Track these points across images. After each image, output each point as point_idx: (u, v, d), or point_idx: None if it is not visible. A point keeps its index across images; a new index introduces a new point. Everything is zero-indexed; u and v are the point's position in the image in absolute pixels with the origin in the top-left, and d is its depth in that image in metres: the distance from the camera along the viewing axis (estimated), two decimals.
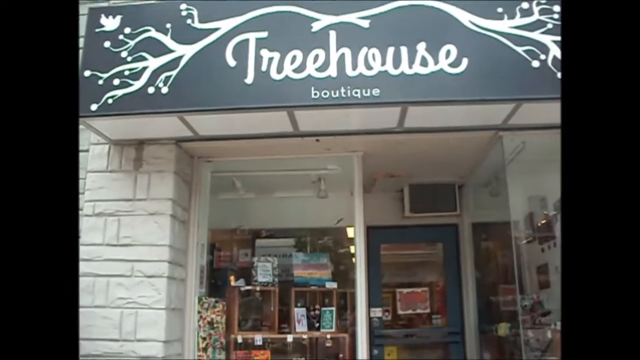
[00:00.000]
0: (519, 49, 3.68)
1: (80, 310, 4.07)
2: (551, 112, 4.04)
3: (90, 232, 4.31)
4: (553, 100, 3.79)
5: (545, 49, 3.64)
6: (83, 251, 4.25)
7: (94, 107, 3.82)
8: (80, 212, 4.40)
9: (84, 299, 4.16)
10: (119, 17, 4.00)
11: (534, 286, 5.15)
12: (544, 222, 5.04)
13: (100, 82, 3.87)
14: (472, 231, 6.19)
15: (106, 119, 3.99)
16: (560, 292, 2.25)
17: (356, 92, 3.67)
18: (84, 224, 4.32)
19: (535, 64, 3.64)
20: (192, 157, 4.81)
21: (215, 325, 4.74)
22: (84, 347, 4.09)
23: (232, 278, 5.09)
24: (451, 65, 3.69)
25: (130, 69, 3.88)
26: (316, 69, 3.74)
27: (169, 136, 4.40)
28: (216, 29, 3.90)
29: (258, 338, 4.76)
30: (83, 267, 4.23)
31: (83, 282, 4.20)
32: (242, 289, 4.94)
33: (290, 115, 3.95)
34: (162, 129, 4.27)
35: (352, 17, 3.83)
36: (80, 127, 4.08)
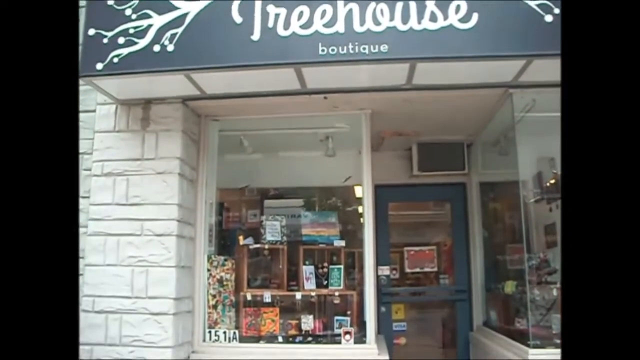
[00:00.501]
0: (531, 3, 3.59)
1: (92, 268, 4.19)
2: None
3: (100, 191, 4.34)
4: None
5: (558, 3, 3.52)
6: (93, 211, 4.29)
7: (99, 66, 3.79)
8: (89, 173, 4.44)
9: (95, 258, 4.24)
10: None
11: (541, 245, 5.15)
12: (552, 181, 5.01)
13: (105, 40, 3.83)
14: (480, 190, 6.17)
15: (112, 78, 3.97)
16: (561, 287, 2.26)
17: (364, 48, 3.62)
18: (93, 183, 4.35)
19: (548, 18, 3.56)
20: (200, 116, 4.79)
21: (224, 283, 4.80)
22: (98, 304, 4.19)
23: (240, 238, 5.12)
24: (461, 20, 3.62)
25: (135, 27, 3.83)
26: (323, 25, 3.68)
27: (175, 95, 4.38)
28: None
29: (267, 295, 4.80)
30: (93, 226, 4.29)
31: (94, 241, 4.27)
32: (250, 247, 4.96)
33: (298, 72, 3.91)
34: (168, 88, 4.25)
35: None
36: (87, 87, 4.08)
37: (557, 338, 4.23)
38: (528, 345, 4.11)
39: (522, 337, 4.34)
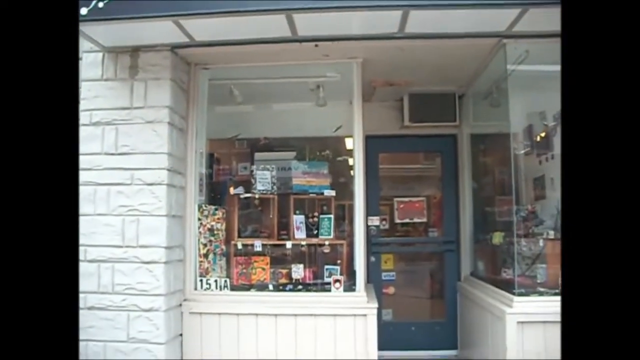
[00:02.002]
0: None
1: (83, 218, 4.19)
2: (557, 19, 3.94)
3: (89, 141, 4.30)
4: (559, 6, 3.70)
5: None
6: (82, 160, 4.25)
7: (83, 10, 3.66)
8: None
9: (86, 207, 4.24)
10: None
11: (530, 197, 5.20)
12: (543, 134, 5.02)
13: None
14: (470, 142, 6.17)
15: (98, 24, 3.86)
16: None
17: None
18: (82, 133, 4.29)
19: None
20: (189, 64, 4.72)
21: (215, 232, 4.83)
22: (90, 253, 4.21)
23: (231, 188, 5.13)
24: None
25: None
26: None
27: (164, 42, 4.30)
28: None
29: (258, 244, 4.85)
30: (83, 176, 4.26)
31: (84, 190, 4.25)
32: (241, 196, 4.98)
33: (289, 18, 3.83)
34: (157, 35, 4.16)
35: None
36: None
37: (540, 287, 4.35)
38: (513, 294, 4.20)
39: (507, 286, 4.42)
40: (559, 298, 4.14)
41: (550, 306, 4.11)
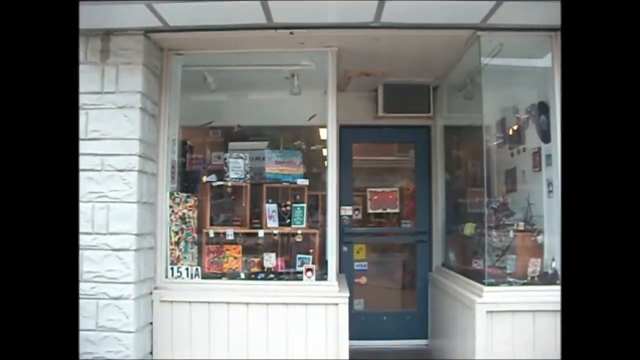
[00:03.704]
0: None
1: None
2: (530, 13, 4.00)
3: None
4: (534, 0, 3.75)
5: None
6: None
7: None
8: None
9: None
10: None
11: (501, 189, 5.26)
12: (515, 127, 5.07)
13: None
14: (444, 134, 6.22)
15: None
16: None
17: None
18: None
19: None
20: (162, 50, 4.65)
21: (187, 220, 4.79)
22: None
23: (203, 177, 5.08)
24: None
25: None
26: None
27: (136, 26, 4.23)
28: None
29: (230, 232, 4.82)
30: None
31: None
32: (213, 184, 4.93)
33: (264, 5, 3.79)
34: (129, 18, 4.09)
35: None
36: None
37: (510, 277, 4.42)
38: (483, 284, 4.25)
39: (478, 276, 4.46)
40: (527, 288, 4.28)
41: (519, 296, 4.21)
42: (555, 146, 4.38)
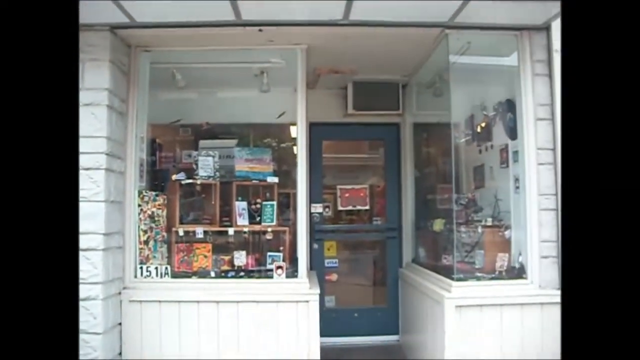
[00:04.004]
0: None
1: None
2: (497, 12, 4.06)
3: None
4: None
5: None
6: None
7: None
8: None
9: None
10: None
11: (470, 185, 5.32)
12: (483, 125, 5.13)
13: None
14: (413, 131, 6.27)
15: None
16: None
17: None
18: None
19: None
20: (130, 46, 4.59)
21: (156, 219, 4.74)
22: None
23: (173, 175, 5.03)
24: None
25: None
26: None
27: (103, 22, 4.15)
28: None
29: (199, 231, 4.79)
30: None
31: None
32: (183, 182, 4.89)
33: (232, 2, 3.77)
34: (95, 14, 3.99)
35: None
36: None
37: (478, 272, 4.49)
38: (452, 279, 4.31)
39: (447, 272, 4.52)
40: (495, 282, 4.34)
41: (487, 290, 4.28)
42: (522, 143, 4.46)
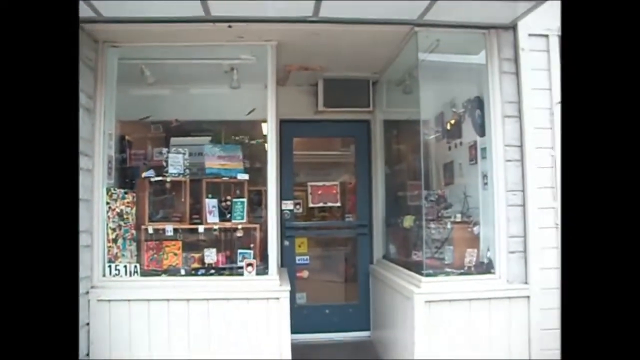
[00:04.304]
0: None
1: None
2: (466, 10, 4.11)
3: None
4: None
5: None
6: None
7: None
8: None
9: None
10: None
11: (440, 182, 5.38)
12: (452, 122, 5.18)
13: None
14: (383, 128, 6.31)
15: None
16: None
17: None
18: None
19: None
20: (97, 41, 4.51)
21: (125, 217, 4.68)
22: None
23: (142, 174, 4.97)
24: None
25: None
26: None
27: None
28: None
29: (169, 229, 4.73)
30: None
31: None
32: (152, 180, 4.83)
33: None
34: None
35: None
36: None
37: (448, 268, 4.55)
38: (422, 275, 4.35)
39: (417, 268, 4.56)
40: (464, 278, 4.40)
41: (456, 285, 4.34)
42: (490, 140, 4.52)
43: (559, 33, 4.48)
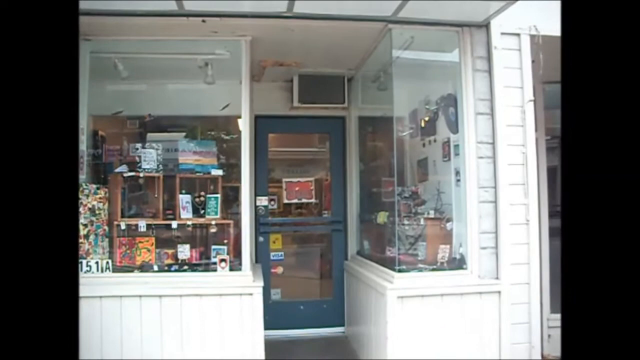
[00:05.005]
0: None
1: None
2: (440, 8, 4.14)
3: None
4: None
5: None
6: None
7: None
8: None
9: None
10: None
11: (414, 178, 5.41)
12: (427, 118, 5.21)
13: None
14: (358, 124, 6.33)
15: None
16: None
17: None
18: None
19: None
20: None
21: (97, 212, 4.62)
22: None
23: (115, 170, 4.92)
24: None
25: None
26: None
27: None
28: None
29: (142, 224, 4.69)
30: None
31: None
32: (125, 175, 4.78)
33: None
34: None
35: None
36: None
37: (421, 263, 4.59)
38: (395, 270, 4.38)
39: (390, 264, 4.59)
40: (436, 273, 4.44)
41: (429, 281, 4.39)
42: (462, 137, 4.57)
43: (531, 32, 4.55)
